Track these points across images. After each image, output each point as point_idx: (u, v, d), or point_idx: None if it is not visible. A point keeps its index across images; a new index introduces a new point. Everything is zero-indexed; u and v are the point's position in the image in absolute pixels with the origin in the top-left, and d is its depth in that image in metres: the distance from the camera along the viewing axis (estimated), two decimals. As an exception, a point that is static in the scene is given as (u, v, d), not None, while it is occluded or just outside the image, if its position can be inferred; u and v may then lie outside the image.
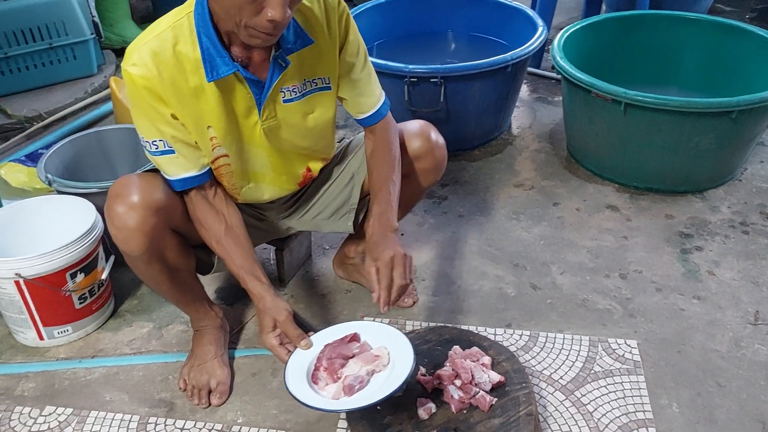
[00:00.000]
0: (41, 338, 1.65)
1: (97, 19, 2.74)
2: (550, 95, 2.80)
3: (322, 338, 1.34)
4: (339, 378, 1.28)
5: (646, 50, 2.50)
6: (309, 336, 1.33)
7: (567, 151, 2.42)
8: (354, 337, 1.34)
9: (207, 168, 1.36)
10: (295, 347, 1.31)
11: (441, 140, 1.55)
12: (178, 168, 1.32)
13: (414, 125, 1.56)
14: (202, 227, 1.38)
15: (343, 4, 1.34)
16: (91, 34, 2.74)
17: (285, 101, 1.34)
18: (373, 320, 1.70)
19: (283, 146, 1.41)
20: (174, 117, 1.27)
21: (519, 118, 2.63)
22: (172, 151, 1.30)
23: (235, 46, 1.25)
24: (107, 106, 2.65)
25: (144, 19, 3.46)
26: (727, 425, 1.46)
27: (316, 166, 1.53)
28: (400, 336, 1.33)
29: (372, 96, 1.45)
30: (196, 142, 1.31)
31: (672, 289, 1.83)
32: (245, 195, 1.47)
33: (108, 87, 2.74)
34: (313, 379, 1.30)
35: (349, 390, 1.25)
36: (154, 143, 1.29)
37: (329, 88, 1.39)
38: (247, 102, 1.30)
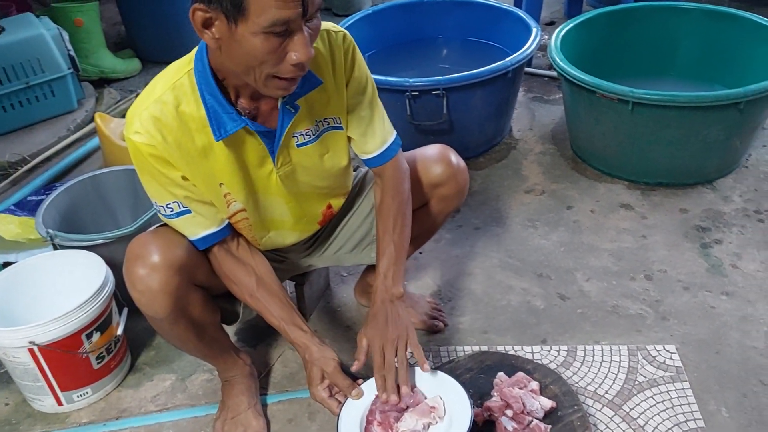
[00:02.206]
0: (60, 404, 1.57)
1: (73, 53, 2.62)
2: (546, 94, 2.76)
3: (373, 386, 1.29)
4: (394, 432, 1.23)
5: (640, 43, 2.48)
6: (359, 384, 1.28)
7: (572, 151, 2.39)
8: (407, 386, 1.29)
9: (226, 222, 1.30)
10: (346, 397, 1.26)
11: (462, 163, 1.50)
12: (197, 227, 1.26)
13: (433, 150, 1.50)
14: (232, 283, 1.31)
15: (349, 38, 1.28)
16: (69, 68, 2.63)
17: (299, 145, 1.28)
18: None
19: (301, 189, 1.35)
20: (184, 178, 1.21)
21: (518, 121, 2.59)
22: (189, 211, 1.24)
23: (242, 99, 1.19)
24: (93, 142, 2.54)
25: (118, 45, 3.35)
26: (779, 426, 1.44)
27: (338, 202, 1.47)
28: (454, 383, 1.30)
29: (378, 136, 1.36)
30: (211, 201, 1.26)
31: (699, 287, 1.81)
32: (266, 244, 1.41)
33: (91, 121, 2.64)
34: (367, 433, 1.25)
35: (407, 446, 1.20)
36: (169, 206, 1.23)
37: (341, 128, 1.33)
38: (260, 153, 1.24)
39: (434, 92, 2.09)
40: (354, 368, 1.31)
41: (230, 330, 1.74)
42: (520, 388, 1.38)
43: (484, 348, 1.64)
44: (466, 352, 1.61)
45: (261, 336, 1.75)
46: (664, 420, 1.46)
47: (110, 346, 1.59)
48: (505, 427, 1.32)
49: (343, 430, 1.23)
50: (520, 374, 1.42)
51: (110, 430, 1.54)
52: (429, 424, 1.26)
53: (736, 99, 1.92)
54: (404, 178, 1.40)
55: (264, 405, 1.56)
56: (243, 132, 1.20)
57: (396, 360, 1.28)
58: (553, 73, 2.79)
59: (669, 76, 2.48)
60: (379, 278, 1.36)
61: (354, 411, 1.28)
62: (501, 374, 1.43)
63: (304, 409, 1.54)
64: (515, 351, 1.63)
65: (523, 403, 1.34)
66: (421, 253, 1.97)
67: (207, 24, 1.04)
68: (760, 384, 1.53)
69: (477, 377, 1.46)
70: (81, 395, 1.58)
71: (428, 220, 1.55)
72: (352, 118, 1.33)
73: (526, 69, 2.85)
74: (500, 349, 1.64)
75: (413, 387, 1.32)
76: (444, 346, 1.67)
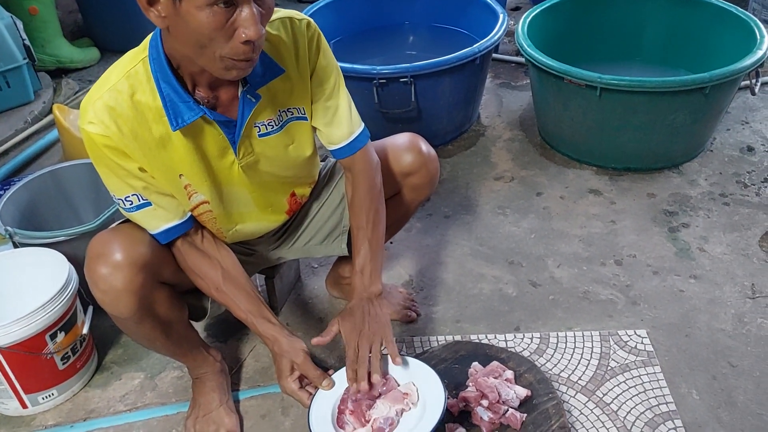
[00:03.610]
0: (24, 407, 1.52)
1: (28, 42, 2.52)
2: (513, 80, 2.76)
3: (344, 376, 1.27)
4: (368, 421, 1.22)
5: (606, 28, 2.49)
6: (330, 374, 1.26)
7: (540, 137, 2.39)
8: (379, 374, 1.28)
9: (189, 214, 1.26)
10: (317, 389, 1.24)
11: (432, 152, 1.48)
12: (158, 220, 1.22)
13: (402, 139, 1.48)
14: (197, 277, 1.28)
15: (314, 26, 1.24)
16: (24, 58, 2.53)
17: (261, 135, 1.24)
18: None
19: (264, 179, 1.31)
20: (142, 170, 1.17)
21: (486, 107, 2.58)
22: (149, 204, 1.20)
23: (200, 88, 1.15)
24: (52, 134, 2.46)
25: (75, 34, 3.24)
26: (747, 406, 1.46)
27: (302, 191, 1.44)
28: (426, 368, 1.28)
29: (344, 126, 1.32)
30: (171, 194, 1.22)
31: (668, 271, 1.83)
32: (233, 236, 1.38)
33: (50, 113, 2.55)
34: (339, 423, 1.23)
35: (380, 433, 1.19)
36: (128, 199, 1.19)
37: (305, 119, 1.30)
38: (220, 143, 1.21)
39: (402, 80, 2.07)
40: (314, 341, 1.31)
41: (200, 325, 1.71)
42: (495, 378, 1.38)
43: (458, 337, 1.64)
44: (440, 342, 1.61)
45: (231, 331, 1.72)
46: (636, 404, 1.47)
47: (75, 345, 1.54)
48: (480, 417, 1.32)
49: (314, 421, 1.21)
50: (495, 363, 1.42)
51: (78, 431, 1.50)
52: (402, 411, 1.25)
53: (702, 84, 1.94)
54: (376, 172, 1.38)
55: (236, 401, 1.54)
56: (202, 122, 1.16)
57: (370, 354, 1.26)
58: (521, 59, 2.79)
59: (635, 61, 2.50)
60: (356, 276, 1.33)
61: (325, 402, 1.26)
62: (475, 364, 1.43)
63: (277, 404, 1.52)
64: (488, 339, 1.63)
65: (498, 393, 1.34)
66: (392, 242, 1.95)
67: (151, 1, 1.00)
68: (728, 366, 1.55)
69: (451, 367, 1.46)
70: (46, 397, 1.53)
71: (400, 210, 1.54)
72: (317, 108, 1.30)
73: (494, 55, 2.84)
74: (474, 337, 1.63)
75: (386, 374, 1.31)
76: (417, 336, 1.66)
